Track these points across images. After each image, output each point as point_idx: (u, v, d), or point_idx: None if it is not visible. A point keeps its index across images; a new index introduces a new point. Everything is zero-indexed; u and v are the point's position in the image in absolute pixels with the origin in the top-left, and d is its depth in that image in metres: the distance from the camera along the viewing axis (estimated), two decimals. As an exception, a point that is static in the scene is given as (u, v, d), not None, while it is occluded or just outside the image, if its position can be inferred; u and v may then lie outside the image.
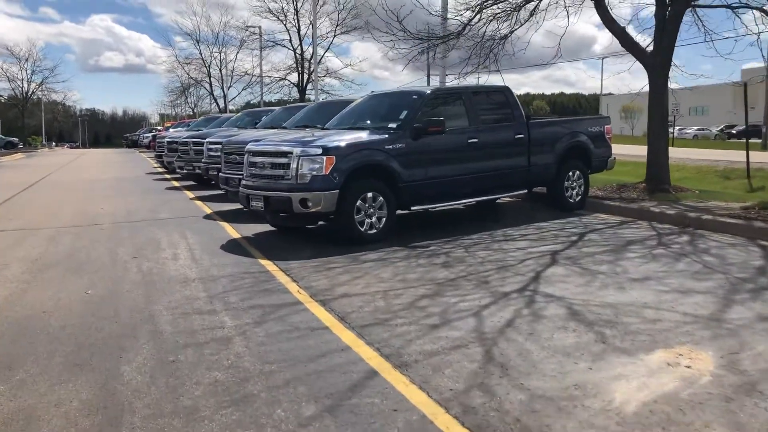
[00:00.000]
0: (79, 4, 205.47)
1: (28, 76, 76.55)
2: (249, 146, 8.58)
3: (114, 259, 7.41)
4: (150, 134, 46.05)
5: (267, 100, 42.24)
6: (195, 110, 73.21)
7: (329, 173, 7.59)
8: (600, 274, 6.06)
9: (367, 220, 7.89)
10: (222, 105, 53.65)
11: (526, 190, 9.68)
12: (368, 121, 8.95)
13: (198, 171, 15.44)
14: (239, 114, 18.88)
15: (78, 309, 5.39)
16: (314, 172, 7.61)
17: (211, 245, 8.12)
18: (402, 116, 8.41)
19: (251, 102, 58.07)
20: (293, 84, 39.45)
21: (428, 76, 56.00)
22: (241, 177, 10.16)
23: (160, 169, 23.44)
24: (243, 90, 50.32)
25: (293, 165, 7.71)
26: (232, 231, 9.20)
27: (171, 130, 27.11)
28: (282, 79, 39.53)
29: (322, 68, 36.99)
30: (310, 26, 35.33)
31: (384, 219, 8.00)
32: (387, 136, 8.15)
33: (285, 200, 7.70)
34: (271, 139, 9.00)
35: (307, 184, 7.62)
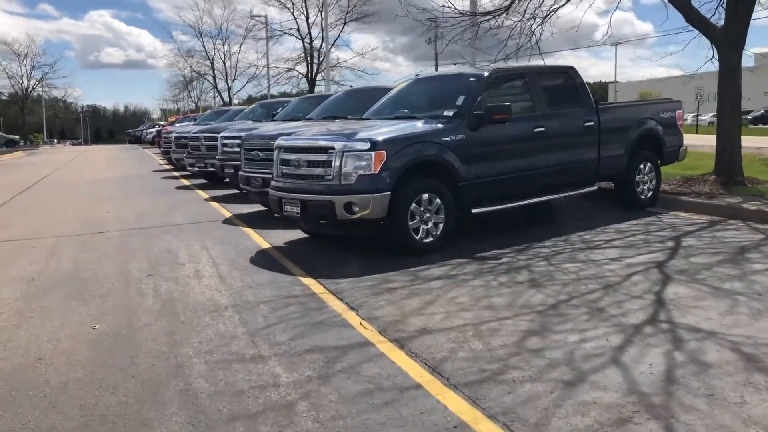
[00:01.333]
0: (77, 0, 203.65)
1: (28, 72, 75.33)
2: (280, 141, 7.33)
3: (125, 278, 6.20)
4: (153, 130, 44.83)
5: (272, 93, 40.91)
6: (198, 104, 72.06)
7: (379, 172, 6.34)
8: (738, 295, 4.82)
9: (423, 227, 6.66)
10: (227, 98, 52.35)
11: (595, 187, 8.41)
12: (416, 110, 7.68)
13: (211, 168, 14.21)
14: (252, 106, 17.64)
15: (83, 355, 4.17)
16: (361, 171, 6.36)
17: (238, 258, 6.90)
18: (459, 102, 7.15)
19: (253, 96, 56.86)
20: (302, 75, 38.14)
21: (436, 65, 54.62)
22: (264, 176, 8.95)
23: (168, 167, 22.21)
24: (248, 82, 49.00)
25: (335, 162, 6.46)
26: (259, 239, 7.97)
27: (177, 124, 25.86)
28: (290, 69, 38.17)
29: (333, 58, 35.62)
30: (319, 13, 34.08)
31: (441, 225, 6.76)
32: (443, 126, 6.90)
33: (326, 205, 6.46)
34: (305, 132, 7.75)
35: (353, 185, 6.38)
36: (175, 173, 19.21)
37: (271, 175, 8.89)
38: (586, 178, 8.28)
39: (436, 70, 55.93)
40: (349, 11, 35.97)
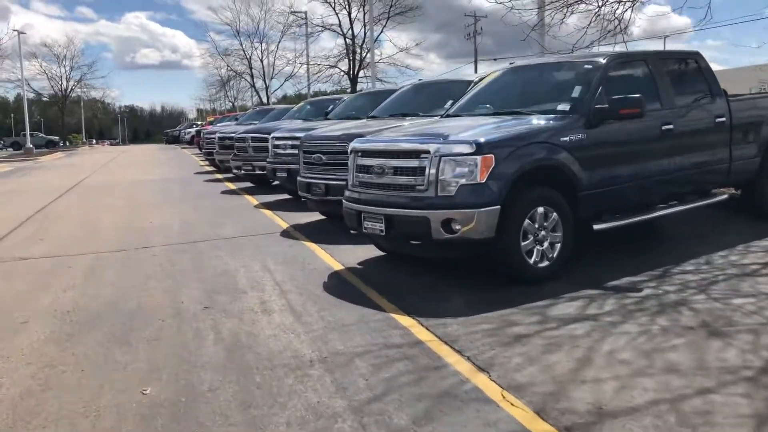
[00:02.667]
0: (114, 2, 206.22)
1: (67, 73, 75.84)
2: (356, 144, 6.15)
3: (177, 312, 5.09)
4: (192, 129, 44.25)
5: (311, 92, 39.87)
6: (234, 104, 71.69)
7: (486, 181, 5.11)
8: None
9: (537, 248, 5.41)
10: (264, 97, 51.61)
11: (726, 196, 7.05)
12: (513, 104, 6.42)
13: (260, 171, 13.15)
14: (300, 104, 16.55)
15: (132, 444, 3.03)
16: (463, 180, 5.14)
17: (308, 284, 5.75)
18: (576, 94, 5.88)
19: (289, 95, 56.06)
20: (344, 72, 37.01)
21: (476, 61, 53.05)
22: (328, 182, 7.81)
23: (209, 168, 21.29)
24: (286, 80, 48.09)
25: (430, 169, 5.25)
26: (327, 258, 6.81)
27: (218, 124, 24.96)
28: (332, 66, 37.02)
29: (377, 53, 34.42)
30: (361, 8, 32.90)
31: (558, 245, 5.50)
32: (559, 123, 5.64)
33: (419, 221, 5.25)
34: (382, 132, 6.57)
35: (452, 197, 5.16)
36: (218, 176, 18.25)
37: (335, 181, 7.77)
38: (713, 184, 6.94)
39: (476, 66, 54.38)
40: (392, 5, 34.67)
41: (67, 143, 75.45)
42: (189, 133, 45.36)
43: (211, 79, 63.55)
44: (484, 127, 5.51)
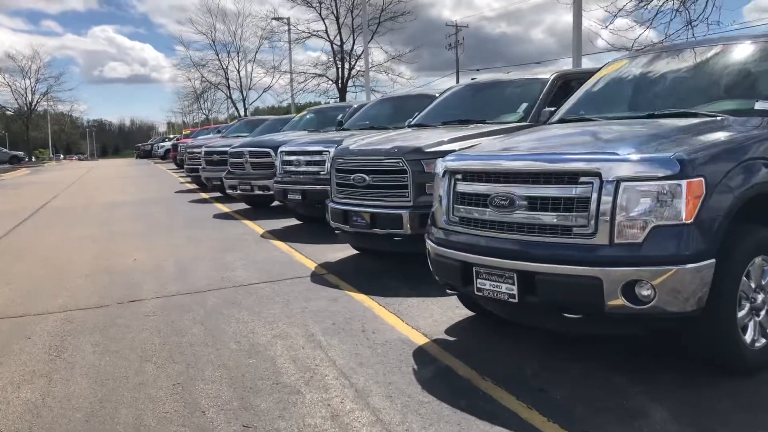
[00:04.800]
0: (80, 16, 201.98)
1: (33, 86, 72.57)
2: (452, 163, 4.20)
3: (202, 440, 3.08)
4: (166, 143, 41.90)
5: (292, 102, 37.76)
6: (209, 116, 69.37)
7: (695, 220, 3.21)
8: None
9: (753, 320, 3.52)
10: (241, 109, 49.41)
11: None
12: (648, 105, 4.58)
13: (259, 192, 11.16)
14: (302, 114, 14.58)
15: None
16: (661, 220, 3.23)
17: (390, 372, 3.82)
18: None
19: (258, 108, 53.97)
20: (332, 81, 34.98)
21: (457, 72, 51.52)
22: (374, 210, 5.91)
23: (191, 186, 19.16)
24: (264, 91, 45.88)
25: (600, 202, 3.33)
26: (395, 321, 4.88)
27: (200, 137, 22.81)
28: (319, 75, 34.94)
29: (362, 63, 32.49)
30: (349, 13, 31.02)
31: (775, 313, 3.62)
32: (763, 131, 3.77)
33: (582, 284, 3.34)
34: (482, 145, 4.65)
35: (640, 246, 3.25)
36: (204, 195, 16.16)
37: (384, 209, 5.88)
38: None
39: (458, 77, 52.88)
40: (383, 9, 32.82)
41: (33, 158, 72.10)
42: (163, 147, 43.02)
43: (185, 92, 61.09)
44: (671, 141, 3.61)
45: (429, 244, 4.30)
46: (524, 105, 6.67)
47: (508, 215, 3.69)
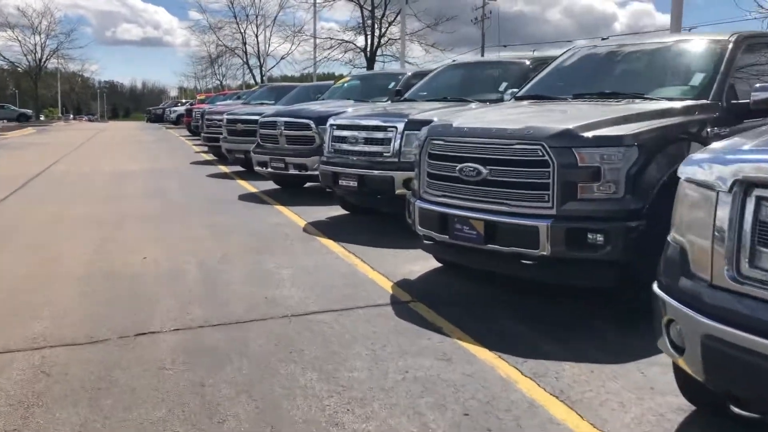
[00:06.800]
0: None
1: (43, 42, 70.39)
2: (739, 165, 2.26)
3: None
4: (179, 108, 39.86)
5: (314, 71, 35.61)
6: (222, 82, 67.36)
7: None
8: None
9: None
10: (258, 76, 47.25)
11: None
12: None
13: (295, 171, 9.28)
14: (345, 79, 12.64)
15: None
16: None
17: None
18: None
19: (294, 75, 51.75)
20: (360, 49, 32.77)
21: (482, 47, 49.11)
22: (493, 218, 4.00)
23: (207, 157, 17.26)
24: (282, 58, 43.66)
25: None
26: (524, 383, 2.98)
27: (220, 103, 20.84)
28: (346, 41, 32.70)
29: (393, 31, 30.31)
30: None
31: None
32: None
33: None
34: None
35: None
36: (223, 168, 14.29)
37: (510, 218, 4.01)
38: None
39: (483, 52, 50.42)
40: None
41: (42, 117, 70.22)
42: (175, 111, 40.95)
43: (198, 55, 58.87)
44: None
45: (669, 301, 2.40)
46: (699, 76, 4.75)
47: None
